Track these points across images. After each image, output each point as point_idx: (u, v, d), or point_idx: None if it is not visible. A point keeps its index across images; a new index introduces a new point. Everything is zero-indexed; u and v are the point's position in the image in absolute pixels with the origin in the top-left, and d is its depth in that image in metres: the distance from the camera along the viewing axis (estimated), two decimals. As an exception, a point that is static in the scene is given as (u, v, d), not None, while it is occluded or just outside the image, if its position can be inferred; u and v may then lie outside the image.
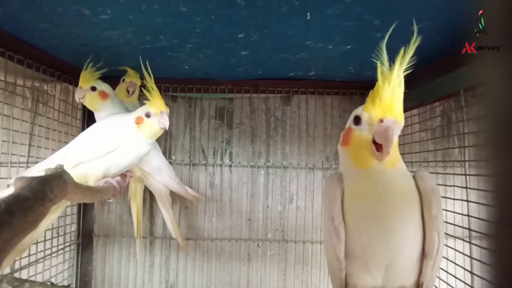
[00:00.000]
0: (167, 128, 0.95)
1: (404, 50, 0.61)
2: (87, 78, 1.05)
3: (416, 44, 0.61)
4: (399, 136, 1.41)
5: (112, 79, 1.20)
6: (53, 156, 0.96)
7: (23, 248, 0.97)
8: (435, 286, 1.07)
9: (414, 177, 0.68)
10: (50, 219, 0.98)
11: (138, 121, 0.94)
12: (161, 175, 1.20)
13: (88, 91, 1.06)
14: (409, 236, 0.65)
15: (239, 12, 0.74)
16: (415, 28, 0.61)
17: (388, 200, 0.64)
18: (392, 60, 0.63)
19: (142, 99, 1.10)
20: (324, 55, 0.99)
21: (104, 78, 1.11)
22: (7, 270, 0.93)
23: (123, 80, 1.24)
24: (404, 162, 0.71)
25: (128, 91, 1.23)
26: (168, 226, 1.26)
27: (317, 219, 1.39)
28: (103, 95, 1.07)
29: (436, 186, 0.68)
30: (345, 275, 0.70)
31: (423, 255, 0.66)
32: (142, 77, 0.95)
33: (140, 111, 0.95)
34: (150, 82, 0.92)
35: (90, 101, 1.07)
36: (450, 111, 1.31)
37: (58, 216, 1.07)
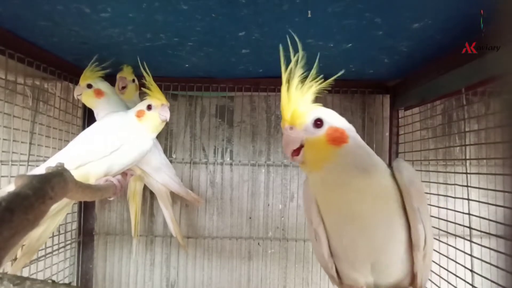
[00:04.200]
0: (167, 120, 0.97)
1: (297, 58, 0.61)
2: (86, 76, 1.06)
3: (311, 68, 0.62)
4: (400, 134, 1.41)
5: (113, 77, 1.20)
6: (55, 156, 0.96)
7: (33, 250, 0.97)
8: (436, 286, 1.07)
9: (392, 169, 0.66)
10: (57, 220, 0.98)
11: (139, 114, 0.96)
12: (160, 175, 1.20)
13: (84, 88, 1.08)
14: (389, 232, 0.64)
15: (240, 10, 0.74)
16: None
17: (351, 201, 0.62)
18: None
19: (142, 97, 1.10)
20: (325, 53, 0.99)
21: (106, 77, 1.11)
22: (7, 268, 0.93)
23: None
24: (405, 160, 0.70)
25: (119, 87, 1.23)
26: (169, 225, 1.26)
27: (317, 217, 1.39)
28: (98, 93, 1.08)
29: (415, 176, 0.64)
30: (337, 271, 0.71)
31: (412, 247, 0.65)
32: (140, 75, 0.95)
33: (141, 105, 0.97)
34: (149, 79, 0.93)
35: (86, 98, 1.09)
36: (451, 110, 1.31)
37: (64, 217, 1.07)
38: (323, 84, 0.63)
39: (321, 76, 0.63)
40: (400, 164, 0.66)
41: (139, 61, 0.90)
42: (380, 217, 0.63)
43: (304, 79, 0.62)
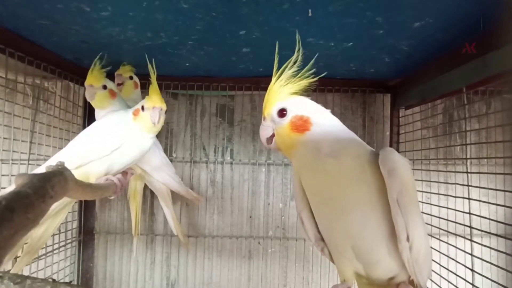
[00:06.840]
0: (155, 123, 0.94)
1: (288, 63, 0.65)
2: (98, 77, 1.03)
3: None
4: (401, 133, 1.40)
5: (112, 75, 1.20)
6: (56, 155, 0.96)
7: (35, 250, 0.98)
8: (437, 285, 1.07)
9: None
10: (58, 219, 0.98)
11: (135, 113, 0.96)
12: (161, 174, 1.20)
13: (99, 89, 1.05)
14: (362, 217, 0.63)
15: (240, 8, 0.74)
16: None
17: (322, 184, 0.65)
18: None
19: (144, 95, 1.10)
20: (326, 52, 0.99)
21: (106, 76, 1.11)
22: (8, 267, 0.93)
23: None
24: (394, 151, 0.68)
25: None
26: (169, 223, 1.26)
27: (318, 216, 1.39)
28: (113, 93, 1.07)
29: (400, 167, 0.61)
30: (333, 258, 0.74)
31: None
32: (143, 74, 0.95)
33: (139, 104, 0.96)
34: (152, 78, 0.92)
35: (100, 99, 1.06)
36: (452, 109, 1.31)
37: (65, 216, 1.07)
38: (306, 81, 0.65)
39: (314, 74, 0.65)
40: (385, 153, 0.62)
41: (147, 59, 0.89)
42: (351, 201, 0.63)
43: (294, 76, 0.65)
